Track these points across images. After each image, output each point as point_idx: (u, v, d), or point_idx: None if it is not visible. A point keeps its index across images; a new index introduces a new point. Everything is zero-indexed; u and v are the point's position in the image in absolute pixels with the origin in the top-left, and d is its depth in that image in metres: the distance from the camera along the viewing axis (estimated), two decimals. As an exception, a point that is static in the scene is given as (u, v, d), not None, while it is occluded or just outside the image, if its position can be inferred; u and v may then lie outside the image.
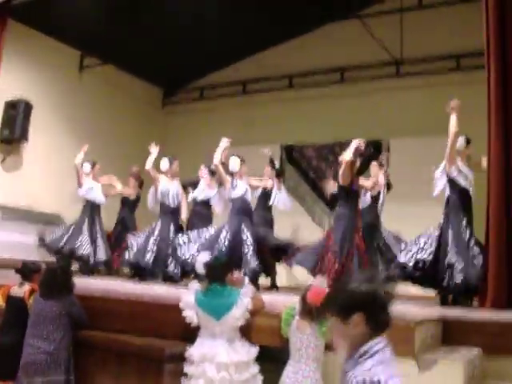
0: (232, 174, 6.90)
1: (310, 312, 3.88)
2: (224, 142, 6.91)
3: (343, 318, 1.85)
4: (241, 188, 6.84)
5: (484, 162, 5.47)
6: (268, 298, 4.59)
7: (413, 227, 8.28)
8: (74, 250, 7.82)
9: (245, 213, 6.82)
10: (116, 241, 8.57)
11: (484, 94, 5.17)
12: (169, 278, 7.02)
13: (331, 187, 7.44)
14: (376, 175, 7.18)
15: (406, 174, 8.60)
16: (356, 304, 1.84)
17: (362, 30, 8.70)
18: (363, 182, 6.68)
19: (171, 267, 7.04)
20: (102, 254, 8.12)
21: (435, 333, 4.24)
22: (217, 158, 6.85)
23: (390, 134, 9.45)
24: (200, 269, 4.33)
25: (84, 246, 7.94)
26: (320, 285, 4.08)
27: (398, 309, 4.45)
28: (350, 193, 6.27)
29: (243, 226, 6.63)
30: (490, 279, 4.88)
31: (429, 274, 5.50)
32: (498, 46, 5.02)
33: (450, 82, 9.00)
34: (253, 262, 6.35)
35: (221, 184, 7.30)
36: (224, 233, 6.59)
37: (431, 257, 5.50)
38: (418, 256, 5.53)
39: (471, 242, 5.39)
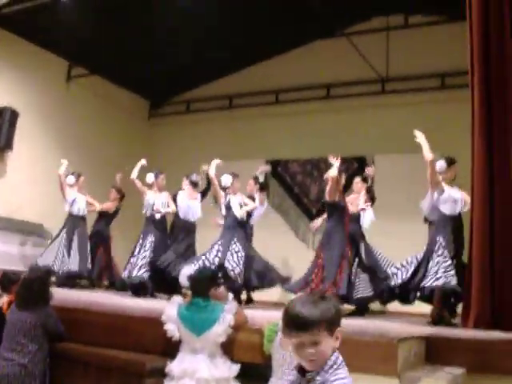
0: (225, 190, 6.93)
1: None
2: (216, 161, 7.04)
3: (332, 333, 1.97)
4: (234, 203, 6.88)
5: None
6: (251, 313, 4.56)
7: (397, 242, 8.37)
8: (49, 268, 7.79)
9: (238, 227, 6.86)
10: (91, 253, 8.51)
11: (468, 112, 5.21)
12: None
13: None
14: (359, 191, 7.19)
15: (391, 190, 8.64)
16: (339, 319, 2.00)
17: (349, 47, 8.77)
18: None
19: None
20: (74, 266, 7.97)
21: (418, 351, 4.22)
22: (212, 171, 6.89)
23: (375, 151, 9.51)
24: (184, 282, 4.30)
25: (57, 262, 7.88)
26: None
27: (381, 326, 4.44)
28: (337, 209, 6.32)
29: (235, 239, 6.67)
30: (474, 298, 4.88)
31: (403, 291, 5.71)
32: (481, 65, 5.08)
33: (434, 100, 9.13)
34: (240, 280, 6.37)
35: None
36: (216, 247, 6.61)
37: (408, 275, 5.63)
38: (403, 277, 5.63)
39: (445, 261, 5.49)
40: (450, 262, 5.43)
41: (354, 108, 9.93)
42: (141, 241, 7.47)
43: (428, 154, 5.68)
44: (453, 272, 5.36)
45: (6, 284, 5.24)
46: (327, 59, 10.04)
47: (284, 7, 8.84)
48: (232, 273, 6.38)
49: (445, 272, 5.37)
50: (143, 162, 7.85)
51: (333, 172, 6.17)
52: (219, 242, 6.70)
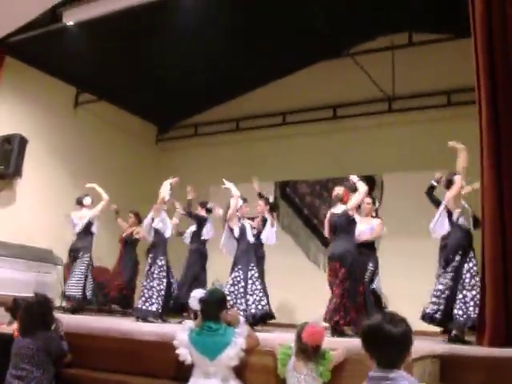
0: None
1: (306, 351, 3.79)
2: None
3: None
4: (248, 227, 7.01)
5: None
6: (263, 336, 4.51)
7: (406, 260, 8.31)
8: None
9: (252, 251, 6.93)
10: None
11: (475, 128, 5.20)
12: None
13: None
14: (369, 213, 7.17)
15: (400, 208, 8.62)
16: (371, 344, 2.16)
17: (354, 67, 8.80)
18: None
19: None
20: (71, 291, 7.95)
21: (433, 370, 4.16)
22: (235, 191, 7.04)
23: (384, 170, 9.49)
24: (194, 305, 4.27)
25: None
26: (316, 323, 4.01)
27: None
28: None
29: (253, 265, 6.73)
30: (488, 316, 4.82)
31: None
32: (487, 81, 5.07)
33: (441, 118, 9.13)
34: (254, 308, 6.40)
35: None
36: (236, 273, 6.65)
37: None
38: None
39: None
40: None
41: (362, 127, 9.93)
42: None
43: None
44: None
45: (16, 311, 5.23)
46: (333, 80, 10.08)
47: (289, 29, 8.92)
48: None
49: None
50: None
51: (363, 186, 6.24)
52: (237, 267, 6.71)
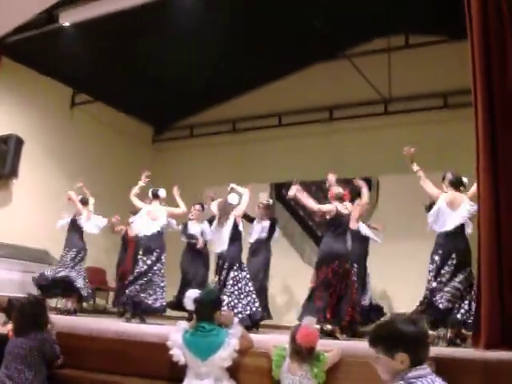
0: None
1: (301, 353, 3.79)
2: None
3: (390, 355, 2.09)
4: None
5: None
6: (257, 337, 4.50)
7: (402, 262, 8.32)
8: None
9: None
10: None
11: (472, 130, 5.19)
12: None
13: None
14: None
15: (396, 210, 8.62)
16: (404, 344, 2.10)
17: (350, 69, 8.81)
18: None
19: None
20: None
21: (428, 372, 4.15)
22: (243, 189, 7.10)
23: (379, 171, 9.49)
24: (189, 305, 4.26)
25: None
26: (309, 325, 4.00)
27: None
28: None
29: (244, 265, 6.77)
30: (484, 319, 4.81)
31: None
32: (484, 82, 5.06)
33: (437, 120, 9.14)
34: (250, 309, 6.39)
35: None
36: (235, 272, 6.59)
37: None
38: None
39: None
40: None
41: (358, 129, 9.94)
42: None
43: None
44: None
45: (11, 311, 5.21)
46: (329, 81, 10.09)
47: (285, 31, 8.92)
48: None
49: None
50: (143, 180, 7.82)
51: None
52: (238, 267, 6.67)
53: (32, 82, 9.44)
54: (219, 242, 6.74)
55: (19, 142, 8.95)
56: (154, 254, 6.99)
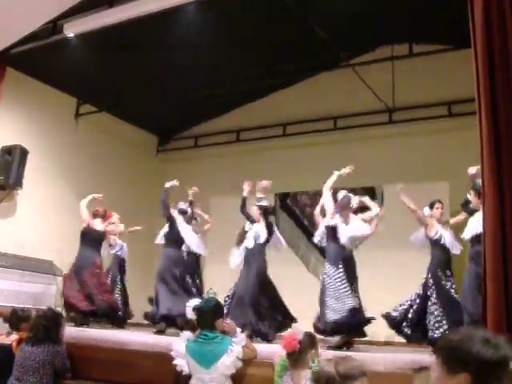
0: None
1: (297, 359, 3.79)
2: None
3: (451, 372, 1.77)
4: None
5: None
6: (261, 347, 4.48)
7: (406, 272, 8.26)
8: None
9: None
10: None
11: (476, 139, 5.18)
12: None
13: None
14: None
15: (400, 220, 8.57)
16: (472, 366, 1.74)
17: (354, 78, 8.82)
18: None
19: None
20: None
21: (434, 382, 4.11)
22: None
23: (384, 181, 9.46)
24: (190, 314, 4.25)
25: None
26: (292, 331, 3.99)
27: (395, 356, 4.36)
28: None
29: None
30: (490, 326, 4.78)
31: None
32: (488, 91, 5.06)
33: (441, 129, 9.12)
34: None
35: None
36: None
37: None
38: None
39: None
40: None
41: (362, 139, 9.93)
42: None
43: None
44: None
45: (14, 321, 5.21)
46: (333, 91, 10.09)
47: (288, 41, 8.94)
48: None
49: None
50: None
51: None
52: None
53: (36, 92, 9.46)
54: None
55: (24, 153, 8.96)
56: None
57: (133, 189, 10.63)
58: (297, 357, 3.76)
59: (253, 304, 6.32)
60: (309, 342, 3.85)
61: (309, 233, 10.37)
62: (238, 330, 4.33)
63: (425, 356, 4.69)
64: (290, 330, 4.07)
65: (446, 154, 8.81)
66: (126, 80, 9.56)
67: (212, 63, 9.24)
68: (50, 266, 9.04)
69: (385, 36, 9.31)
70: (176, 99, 10.36)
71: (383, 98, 9.29)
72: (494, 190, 4.97)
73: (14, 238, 8.73)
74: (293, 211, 10.67)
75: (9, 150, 8.88)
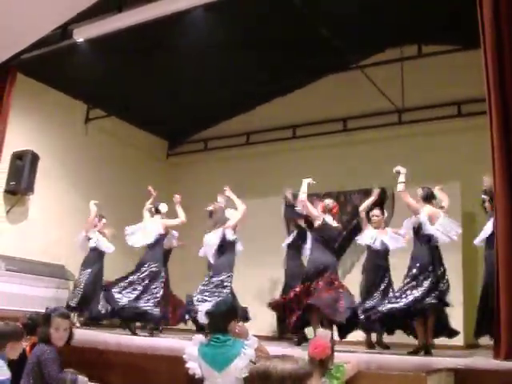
0: None
1: (317, 366, 3.77)
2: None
3: None
4: None
5: None
6: (273, 349, 4.46)
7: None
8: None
9: None
10: None
11: (486, 139, 5.16)
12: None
13: None
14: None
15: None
16: None
17: (364, 79, 8.79)
18: None
19: None
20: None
21: (447, 383, 4.09)
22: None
23: (395, 181, 9.40)
24: (202, 319, 4.25)
25: None
26: (322, 337, 3.98)
27: (408, 358, 4.33)
28: None
29: None
30: (503, 330, 4.74)
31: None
32: (498, 91, 5.04)
33: (451, 129, 9.08)
34: None
35: None
36: None
37: None
38: None
39: None
40: None
41: (372, 140, 9.89)
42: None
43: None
44: None
45: (31, 326, 5.21)
46: (342, 92, 10.08)
47: (297, 43, 8.93)
48: None
49: None
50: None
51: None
52: None
53: (46, 97, 9.53)
54: None
55: (35, 158, 9.02)
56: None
57: (143, 193, 10.59)
58: (316, 362, 3.75)
59: None
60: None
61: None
62: (251, 333, 4.31)
63: (441, 358, 4.68)
64: (319, 335, 4.05)
65: (456, 154, 8.76)
66: (135, 84, 9.59)
67: (221, 66, 9.25)
68: (62, 270, 9.08)
69: (393, 37, 9.29)
70: (185, 103, 10.38)
71: (392, 98, 9.25)
72: (505, 189, 4.95)
73: (26, 242, 8.79)
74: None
75: (20, 156, 8.94)
